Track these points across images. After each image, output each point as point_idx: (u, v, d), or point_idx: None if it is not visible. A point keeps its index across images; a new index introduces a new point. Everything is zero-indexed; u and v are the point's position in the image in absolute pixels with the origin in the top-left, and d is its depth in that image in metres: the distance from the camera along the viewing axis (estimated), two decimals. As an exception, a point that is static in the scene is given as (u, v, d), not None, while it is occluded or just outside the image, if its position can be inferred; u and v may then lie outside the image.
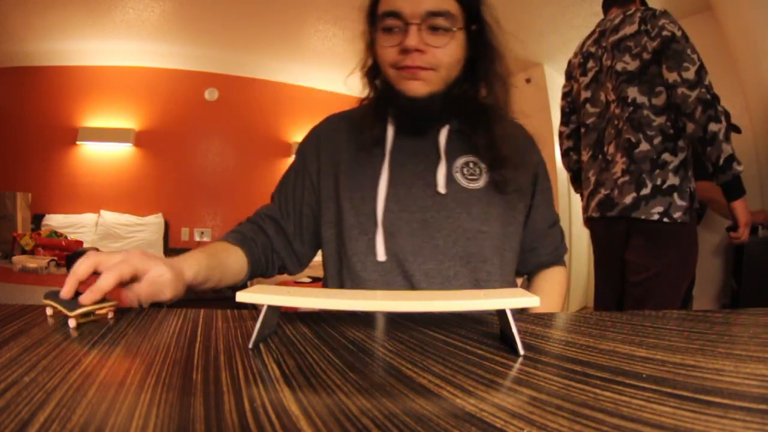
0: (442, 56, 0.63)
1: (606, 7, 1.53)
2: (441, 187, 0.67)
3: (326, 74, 4.42)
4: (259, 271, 0.72)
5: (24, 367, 0.27)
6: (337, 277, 0.71)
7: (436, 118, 0.69)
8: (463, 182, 0.68)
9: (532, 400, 0.23)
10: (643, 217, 1.26)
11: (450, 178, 0.68)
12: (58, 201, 3.74)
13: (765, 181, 2.49)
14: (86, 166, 3.87)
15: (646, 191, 1.26)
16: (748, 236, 1.39)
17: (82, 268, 0.45)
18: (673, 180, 1.26)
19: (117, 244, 3.55)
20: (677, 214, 1.25)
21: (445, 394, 0.24)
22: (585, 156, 1.47)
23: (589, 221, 1.49)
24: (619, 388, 0.25)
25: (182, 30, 3.50)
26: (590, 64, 1.46)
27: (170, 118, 4.06)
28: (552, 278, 0.78)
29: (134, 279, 0.48)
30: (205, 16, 3.28)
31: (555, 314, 0.52)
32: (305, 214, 0.75)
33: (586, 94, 1.45)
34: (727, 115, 1.81)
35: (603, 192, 1.36)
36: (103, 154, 3.91)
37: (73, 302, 0.41)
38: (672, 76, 1.21)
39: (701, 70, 1.21)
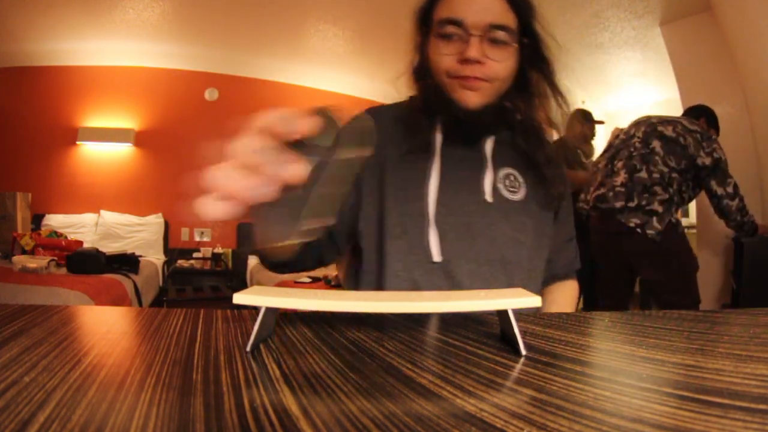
0: (499, 69, 0.64)
1: (687, 113, 2.06)
2: (488, 196, 0.69)
3: (326, 74, 4.42)
4: (299, 266, 0.70)
5: (24, 367, 0.27)
6: (376, 273, 0.70)
7: (484, 128, 0.70)
8: (505, 193, 0.71)
9: (532, 400, 0.23)
10: (623, 221, 1.74)
11: (494, 188, 0.70)
12: (58, 201, 3.74)
13: (765, 181, 2.49)
14: (86, 166, 3.87)
15: (632, 204, 1.73)
16: None
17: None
18: (656, 207, 1.70)
19: (117, 244, 3.56)
20: (650, 232, 1.68)
21: (445, 394, 0.24)
22: (600, 164, 1.99)
23: (590, 210, 1.98)
24: (619, 388, 0.25)
25: (182, 30, 3.50)
26: (642, 119, 1.96)
27: (170, 118, 4.06)
28: (564, 291, 0.81)
29: None
30: (205, 16, 3.28)
31: (555, 314, 0.52)
32: (345, 204, 0.72)
33: (625, 129, 1.98)
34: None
35: (602, 190, 1.87)
36: (103, 154, 3.91)
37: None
38: (720, 190, 1.74)
39: (737, 185, 1.75)
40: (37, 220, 3.51)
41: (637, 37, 3.09)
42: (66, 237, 2.99)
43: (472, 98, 0.65)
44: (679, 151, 1.73)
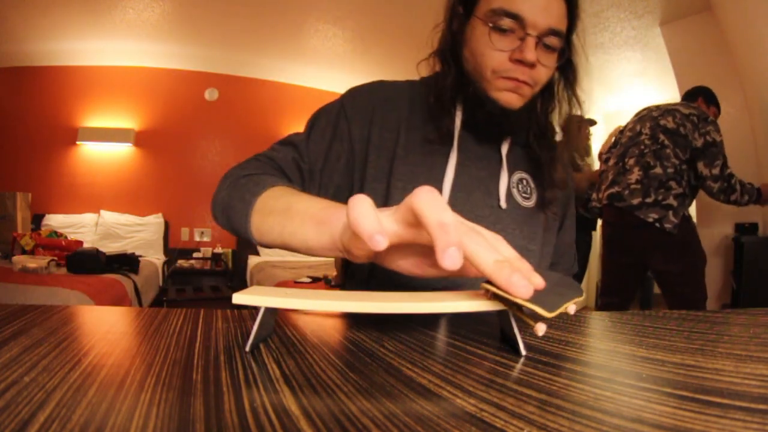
0: (545, 75, 0.60)
1: (684, 98, 2.06)
2: (503, 202, 0.65)
3: (326, 74, 4.42)
4: None
5: (24, 367, 0.27)
6: (368, 266, 0.65)
7: (508, 129, 0.66)
8: (519, 199, 0.67)
9: (532, 400, 0.23)
10: (641, 216, 1.77)
11: (508, 193, 0.66)
12: (58, 201, 3.74)
13: (765, 180, 2.50)
14: (86, 166, 3.87)
15: (649, 200, 1.77)
16: None
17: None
18: (672, 201, 1.74)
19: (117, 244, 3.56)
20: (667, 225, 1.73)
21: (445, 394, 0.24)
22: (611, 162, 1.99)
23: (601, 208, 2.00)
24: (619, 388, 0.25)
25: (182, 30, 3.50)
26: (643, 113, 2.00)
27: (170, 118, 4.06)
28: None
29: None
30: (205, 16, 3.28)
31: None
32: (334, 183, 0.67)
33: (629, 125, 2.00)
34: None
35: (616, 189, 1.89)
36: (103, 154, 3.91)
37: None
38: (705, 171, 1.75)
39: (724, 166, 1.74)
40: (37, 220, 3.51)
41: (637, 37, 3.09)
42: (66, 237, 2.99)
43: (515, 101, 0.61)
44: (682, 141, 1.78)
